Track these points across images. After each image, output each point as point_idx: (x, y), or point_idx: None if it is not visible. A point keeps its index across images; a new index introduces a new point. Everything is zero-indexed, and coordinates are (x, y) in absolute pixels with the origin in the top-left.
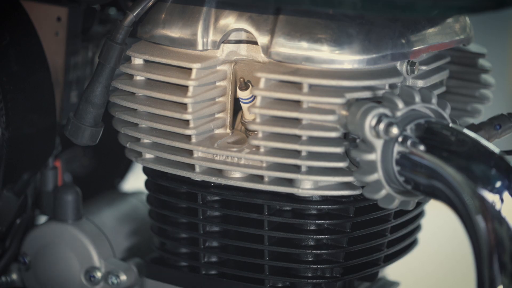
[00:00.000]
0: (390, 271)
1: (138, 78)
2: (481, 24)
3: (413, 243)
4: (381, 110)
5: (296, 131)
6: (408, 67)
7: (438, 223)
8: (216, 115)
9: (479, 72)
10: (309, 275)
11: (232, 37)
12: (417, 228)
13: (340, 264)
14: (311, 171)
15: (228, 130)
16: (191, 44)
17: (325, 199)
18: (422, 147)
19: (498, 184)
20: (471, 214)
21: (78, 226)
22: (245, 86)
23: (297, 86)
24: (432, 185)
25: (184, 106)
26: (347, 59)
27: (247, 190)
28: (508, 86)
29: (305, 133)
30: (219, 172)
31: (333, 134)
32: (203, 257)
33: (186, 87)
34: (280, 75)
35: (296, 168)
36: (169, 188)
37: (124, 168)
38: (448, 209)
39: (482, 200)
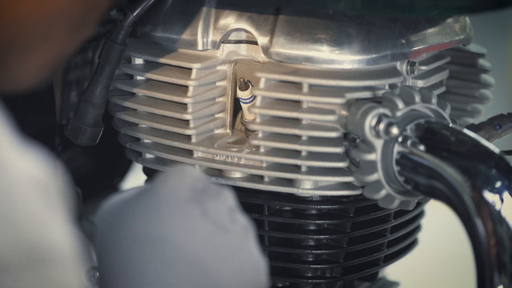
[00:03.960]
0: (390, 271)
1: (138, 78)
2: (481, 24)
3: (413, 243)
4: (381, 110)
5: (296, 131)
6: (408, 67)
7: (438, 223)
8: (216, 115)
9: (479, 72)
10: (309, 275)
11: (232, 37)
12: (417, 228)
13: (340, 264)
14: (311, 171)
15: (228, 130)
16: (191, 44)
17: (325, 199)
18: (422, 147)
19: (498, 184)
20: (471, 214)
21: (78, 227)
22: (245, 86)
23: (297, 86)
24: (432, 185)
25: (184, 106)
26: (347, 59)
27: (247, 190)
28: (508, 86)
29: (305, 133)
30: (219, 172)
31: (333, 134)
32: None
33: (186, 87)
34: (280, 75)
35: (296, 168)
36: None
37: (124, 168)
38: (448, 209)
39: (482, 200)
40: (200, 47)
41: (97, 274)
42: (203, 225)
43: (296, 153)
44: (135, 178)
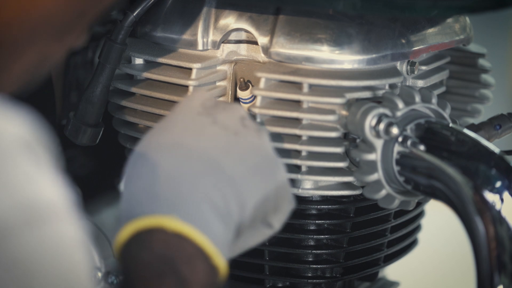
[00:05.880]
0: (390, 271)
1: (138, 78)
2: (481, 24)
3: (413, 243)
4: (381, 110)
5: (296, 131)
6: (408, 67)
7: (438, 223)
8: None
9: (479, 72)
10: (309, 275)
11: (232, 37)
12: (417, 228)
13: (340, 264)
14: (311, 171)
15: None
16: (191, 44)
17: (325, 199)
18: (422, 147)
19: (498, 184)
20: (471, 214)
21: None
22: (245, 86)
23: (297, 86)
24: (432, 185)
25: None
26: (347, 59)
27: None
28: (508, 86)
29: (305, 133)
30: None
31: (333, 134)
32: None
33: (186, 87)
34: (280, 75)
35: (296, 168)
36: None
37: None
38: (448, 209)
39: (482, 200)
40: (200, 47)
41: (99, 273)
42: (214, 130)
43: (296, 153)
44: None
